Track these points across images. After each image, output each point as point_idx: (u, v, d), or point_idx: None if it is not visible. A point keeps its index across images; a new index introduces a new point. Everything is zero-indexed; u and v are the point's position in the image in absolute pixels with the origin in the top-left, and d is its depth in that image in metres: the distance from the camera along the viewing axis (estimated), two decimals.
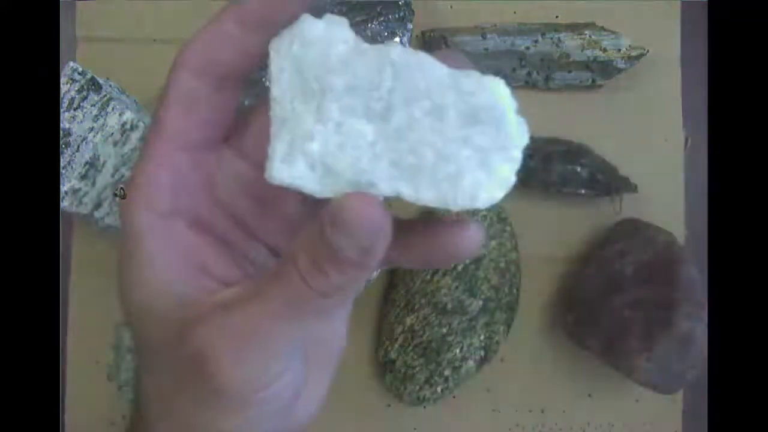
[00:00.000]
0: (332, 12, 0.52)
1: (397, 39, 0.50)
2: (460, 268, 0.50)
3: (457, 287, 0.49)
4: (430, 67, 0.21)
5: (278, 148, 0.21)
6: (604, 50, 0.53)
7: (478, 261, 0.50)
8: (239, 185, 0.24)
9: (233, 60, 0.21)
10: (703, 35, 0.33)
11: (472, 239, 0.22)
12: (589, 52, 0.53)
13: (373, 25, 0.50)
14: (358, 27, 0.50)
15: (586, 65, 0.53)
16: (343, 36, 0.21)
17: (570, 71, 0.53)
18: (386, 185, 0.21)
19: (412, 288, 0.50)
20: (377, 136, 0.21)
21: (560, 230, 0.54)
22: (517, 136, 0.21)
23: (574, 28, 0.53)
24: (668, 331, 0.45)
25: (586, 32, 0.53)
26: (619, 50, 0.53)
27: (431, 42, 0.53)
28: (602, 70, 0.53)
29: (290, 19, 0.21)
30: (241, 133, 0.24)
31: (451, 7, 0.54)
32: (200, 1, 0.52)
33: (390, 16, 0.50)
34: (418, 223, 0.22)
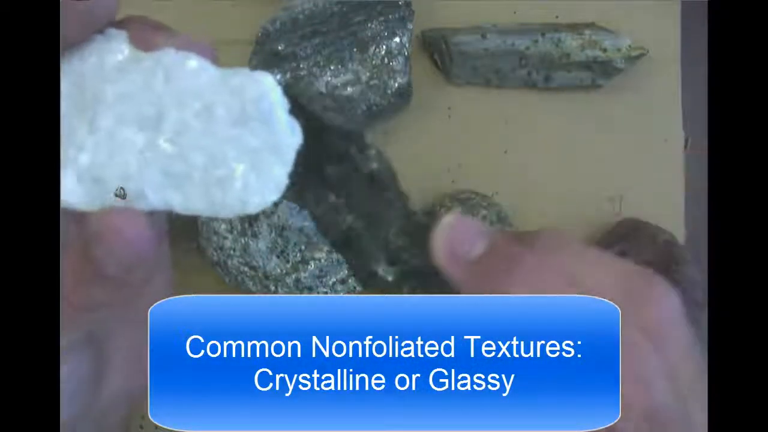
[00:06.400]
0: (331, 12, 0.52)
1: (397, 39, 0.50)
2: None
3: None
4: (200, 69, 0.20)
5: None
6: (604, 50, 0.53)
7: None
8: None
9: None
10: (703, 35, 0.33)
11: None
12: (589, 52, 0.53)
13: (373, 25, 0.49)
14: (358, 27, 0.50)
15: (586, 65, 0.53)
16: (119, 47, 0.21)
17: (570, 71, 0.53)
18: (156, 196, 0.20)
19: None
20: (148, 143, 0.20)
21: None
22: (289, 135, 0.20)
23: (574, 28, 0.53)
24: None
25: (586, 32, 0.53)
26: (619, 50, 0.53)
27: (431, 42, 0.53)
28: (602, 70, 0.53)
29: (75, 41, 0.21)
30: None
31: (451, 7, 0.54)
32: (200, 1, 0.52)
33: (390, 16, 0.50)
34: None
